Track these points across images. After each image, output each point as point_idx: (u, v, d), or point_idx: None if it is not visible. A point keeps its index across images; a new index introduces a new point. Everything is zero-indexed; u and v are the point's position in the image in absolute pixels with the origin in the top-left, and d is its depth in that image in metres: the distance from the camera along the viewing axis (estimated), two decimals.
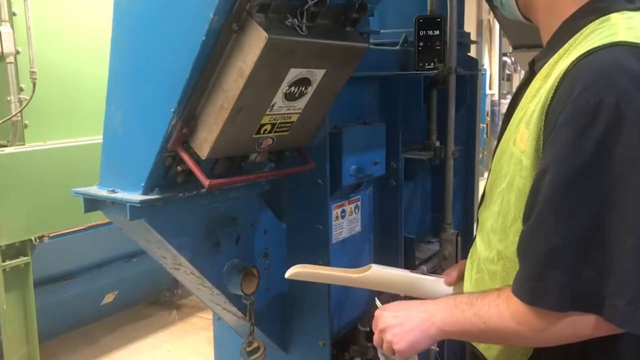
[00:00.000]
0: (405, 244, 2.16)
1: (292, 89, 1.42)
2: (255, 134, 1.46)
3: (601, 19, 1.04)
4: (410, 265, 2.17)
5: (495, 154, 1.21)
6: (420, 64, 2.11)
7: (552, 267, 0.96)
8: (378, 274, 1.51)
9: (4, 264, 2.97)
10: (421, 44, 2.11)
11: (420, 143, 2.27)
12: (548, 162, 0.98)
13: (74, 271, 3.53)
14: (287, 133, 1.54)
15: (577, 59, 0.97)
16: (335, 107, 1.69)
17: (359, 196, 2.00)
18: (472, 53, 2.92)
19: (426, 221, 2.55)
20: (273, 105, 1.42)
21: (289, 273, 1.56)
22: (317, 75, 1.45)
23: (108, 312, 4.12)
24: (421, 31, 2.10)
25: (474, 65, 2.61)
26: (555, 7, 1.13)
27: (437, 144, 2.25)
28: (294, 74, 1.38)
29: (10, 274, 3.01)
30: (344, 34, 1.49)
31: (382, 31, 2.16)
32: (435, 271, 2.22)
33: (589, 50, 0.97)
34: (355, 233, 2.00)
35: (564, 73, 0.98)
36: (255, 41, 1.26)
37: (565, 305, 0.97)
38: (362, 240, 2.05)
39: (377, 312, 1.27)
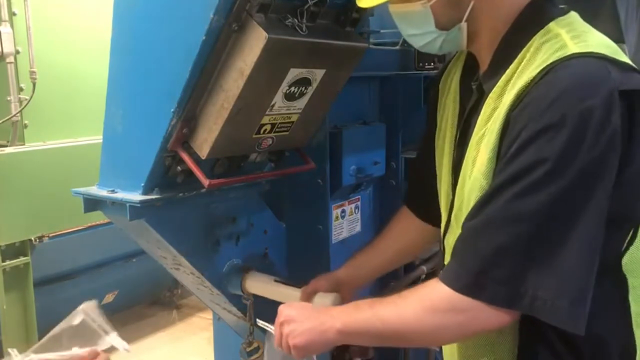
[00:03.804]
0: None
1: (292, 89, 1.42)
2: (255, 134, 1.46)
3: (542, 31, 1.05)
4: (410, 266, 2.16)
5: (458, 182, 1.18)
6: (420, 64, 2.11)
7: (496, 265, 0.98)
8: (254, 277, 1.62)
9: (4, 264, 2.97)
10: None
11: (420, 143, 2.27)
12: (502, 168, 1.00)
13: (74, 271, 3.54)
14: (287, 133, 1.54)
15: (535, 76, 0.98)
16: (335, 107, 1.69)
17: (359, 196, 2.00)
18: None
19: None
20: (273, 105, 1.42)
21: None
22: (317, 75, 1.45)
23: (108, 312, 4.11)
24: None
25: None
26: (492, 27, 1.13)
27: None
28: (293, 74, 1.38)
29: (10, 274, 3.02)
30: (344, 34, 1.49)
31: (382, 31, 2.15)
32: (435, 271, 2.22)
33: (545, 68, 0.98)
34: (355, 233, 2.00)
35: (522, 91, 0.99)
36: (255, 41, 1.26)
37: (504, 302, 0.98)
38: (362, 240, 2.04)
39: (281, 307, 1.28)
